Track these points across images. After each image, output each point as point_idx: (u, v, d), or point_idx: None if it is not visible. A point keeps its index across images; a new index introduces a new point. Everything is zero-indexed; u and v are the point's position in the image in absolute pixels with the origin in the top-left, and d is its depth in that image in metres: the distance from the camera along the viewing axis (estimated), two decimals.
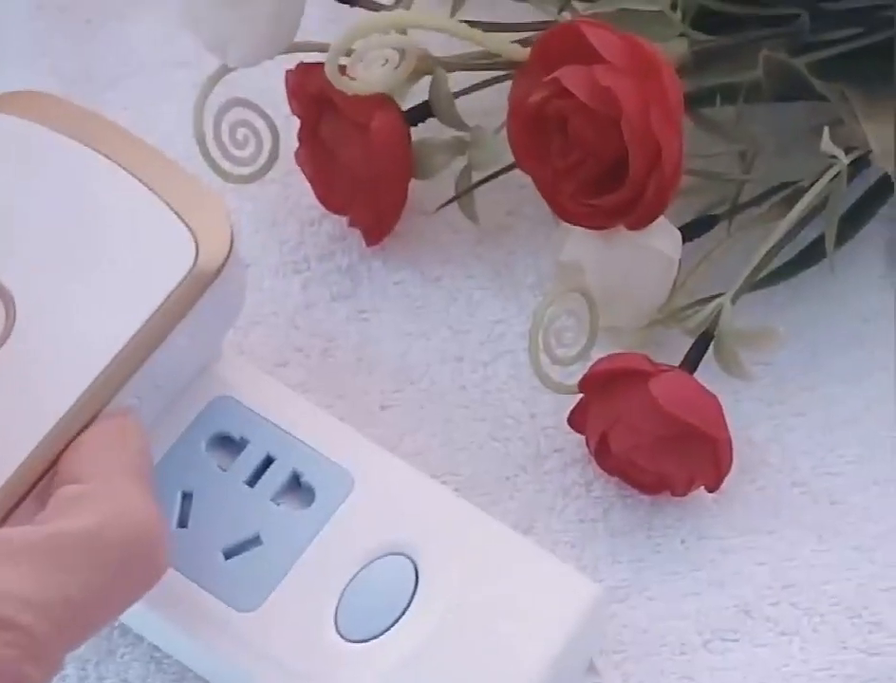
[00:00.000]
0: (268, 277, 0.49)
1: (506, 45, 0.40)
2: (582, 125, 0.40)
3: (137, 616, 0.40)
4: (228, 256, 0.39)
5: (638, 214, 0.41)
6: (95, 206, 0.39)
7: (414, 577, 0.40)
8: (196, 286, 0.39)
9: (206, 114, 0.46)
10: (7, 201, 0.39)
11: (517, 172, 0.46)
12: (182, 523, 0.41)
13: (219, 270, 0.39)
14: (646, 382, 0.41)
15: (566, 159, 0.41)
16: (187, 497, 0.41)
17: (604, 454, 0.44)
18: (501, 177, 0.47)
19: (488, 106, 0.49)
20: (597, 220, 0.42)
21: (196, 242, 0.39)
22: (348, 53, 0.40)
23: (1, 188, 0.39)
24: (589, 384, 0.43)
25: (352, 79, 0.41)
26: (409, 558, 0.40)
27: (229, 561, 0.40)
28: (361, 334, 0.48)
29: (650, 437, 0.42)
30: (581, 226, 0.42)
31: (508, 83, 0.46)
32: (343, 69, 0.41)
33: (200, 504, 0.41)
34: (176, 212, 0.39)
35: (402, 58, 0.40)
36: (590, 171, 0.41)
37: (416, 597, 0.40)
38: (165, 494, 0.41)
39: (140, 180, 0.39)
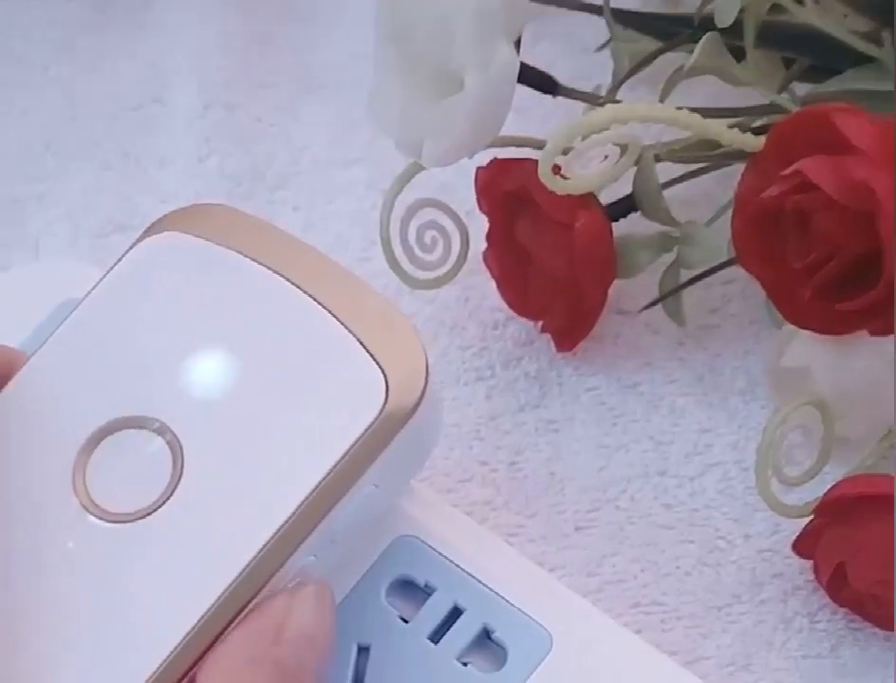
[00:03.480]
0: (449, 385, 0.45)
1: (739, 136, 0.36)
2: (828, 222, 0.36)
3: None
4: (422, 395, 0.34)
5: (887, 320, 0.36)
6: (274, 339, 0.35)
7: None
8: (386, 432, 0.34)
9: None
10: (177, 333, 0.35)
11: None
12: (357, 681, 0.36)
13: (412, 412, 0.34)
14: None
15: (804, 259, 0.37)
16: (363, 651, 0.37)
17: (838, 586, 0.39)
18: None
19: (691, 197, 0.45)
20: (838, 325, 0.37)
21: (387, 380, 0.34)
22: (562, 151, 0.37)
23: (171, 317, 0.36)
24: (827, 509, 0.38)
25: (564, 178, 0.37)
26: None
27: None
28: (551, 447, 0.44)
29: None
30: (818, 331, 0.38)
31: (715, 174, 0.43)
32: (555, 168, 0.37)
33: (378, 660, 0.36)
34: (364, 346, 0.35)
35: (623, 153, 0.36)
36: (832, 272, 0.37)
37: None
38: (339, 647, 0.36)
39: (325, 308, 0.35)
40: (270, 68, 0.52)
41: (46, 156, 0.51)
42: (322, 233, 0.47)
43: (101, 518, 0.34)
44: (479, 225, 0.45)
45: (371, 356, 0.34)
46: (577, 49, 0.51)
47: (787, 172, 0.35)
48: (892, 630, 0.40)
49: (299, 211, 0.48)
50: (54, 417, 0.35)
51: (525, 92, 0.42)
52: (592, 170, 0.36)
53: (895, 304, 0.36)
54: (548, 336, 0.45)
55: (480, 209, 0.44)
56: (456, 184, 0.46)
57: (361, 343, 0.35)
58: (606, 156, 0.36)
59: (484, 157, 0.43)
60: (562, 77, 0.43)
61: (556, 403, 0.45)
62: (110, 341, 0.36)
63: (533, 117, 0.46)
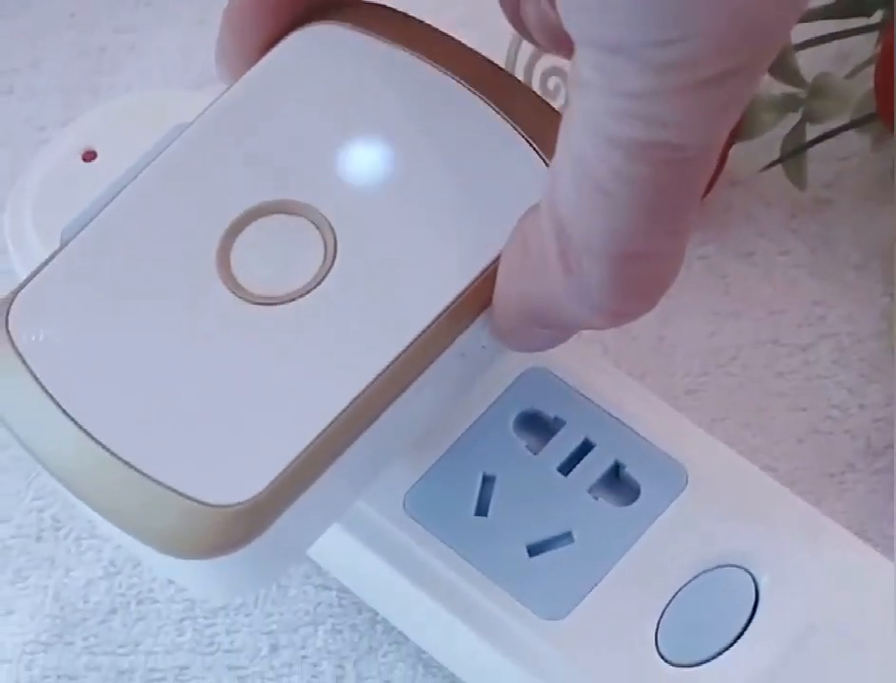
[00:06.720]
0: None
1: None
2: None
3: (410, 611, 0.36)
4: None
5: None
6: (435, 132, 0.34)
7: (754, 595, 0.34)
8: None
9: None
10: (333, 121, 0.34)
11: (840, 139, 0.43)
12: (482, 510, 0.35)
13: None
14: None
15: None
16: (489, 481, 0.36)
17: None
18: (818, 147, 0.43)
19: (814, 66, 0.44)
20: None
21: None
22: None
23: (326, 105, 0.34)
24: None
25: None
26: (749, 572, 0.35)
27: (534, 558, 0.35)
28: (663, 311, 0.43)
29: None
30: None
31: (841, 45, 0.43)
32: None
33: (504, 490, 0.36)
34: (533, 145, 0.33)
35: None
36: None
37: (755, 620, 0.34)
38: (464, 476, 0.36)
39: (487, 101, 0.34)
40: None
41: (138, 6, 0.50)
42: None
43: (247, 299, 0.33)
44: None
45: (534, 147, 0.33)
46: None
47: None
48: None
49: None
50: (200, 199, 0.34)
51: None
52: None
53: None
54: None
55: None
56: None
57: (528, 141, 0.33)
58: None
59: None
60: None
61: None
62: (263, 123, 0.34)
63: None
